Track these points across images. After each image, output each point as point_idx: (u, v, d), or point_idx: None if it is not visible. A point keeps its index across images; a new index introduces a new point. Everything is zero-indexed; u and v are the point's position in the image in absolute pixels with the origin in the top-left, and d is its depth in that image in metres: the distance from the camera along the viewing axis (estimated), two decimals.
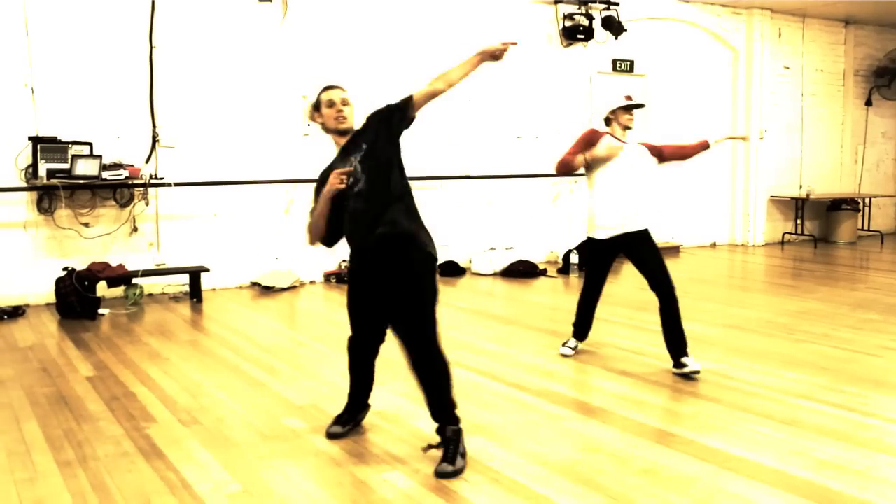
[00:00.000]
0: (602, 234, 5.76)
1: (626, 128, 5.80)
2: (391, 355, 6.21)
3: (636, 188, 5.77)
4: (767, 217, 13.34)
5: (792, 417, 4.71)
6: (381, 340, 4.40)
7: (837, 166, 14.20)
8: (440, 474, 3.84)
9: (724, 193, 13.11)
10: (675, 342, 5.56)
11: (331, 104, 4.20)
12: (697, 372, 5.45)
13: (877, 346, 6.43)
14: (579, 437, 4.43)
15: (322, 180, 4.24)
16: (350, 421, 4.48)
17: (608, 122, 5.85)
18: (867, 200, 13.91)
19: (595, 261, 6.03)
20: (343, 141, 4.25)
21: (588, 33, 10.94)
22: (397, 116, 4.15)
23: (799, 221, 13.41)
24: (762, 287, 9.66)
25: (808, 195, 13.12)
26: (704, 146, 6.00)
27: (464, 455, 3.96)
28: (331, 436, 4.37)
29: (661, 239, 11.58)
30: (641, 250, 5.71)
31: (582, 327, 6.14)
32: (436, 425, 4.06)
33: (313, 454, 4.19)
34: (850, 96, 14.16)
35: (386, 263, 4.11)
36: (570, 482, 3.80)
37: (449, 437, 3.97)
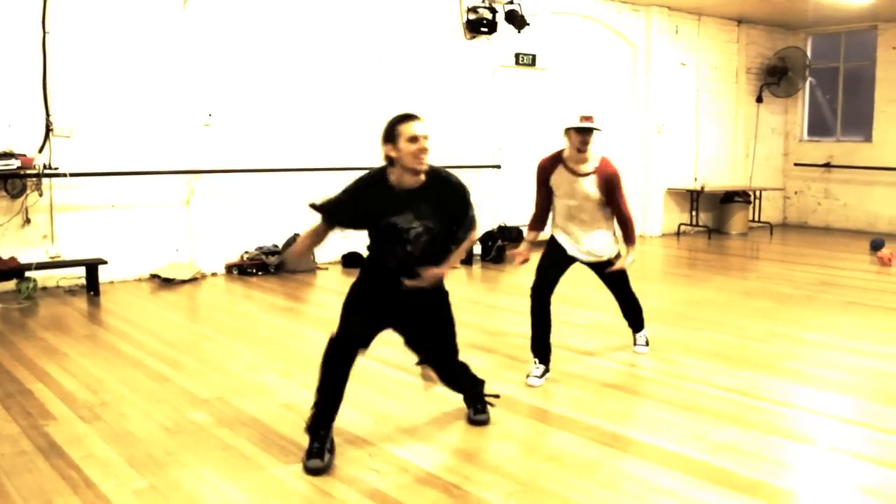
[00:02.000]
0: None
1: (579, 151, 5.21)
2: (298, 346, 6.19)
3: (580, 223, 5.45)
4: (664, 209, 13.73)
5: (690, 402, 4.88)
6: (367, 347, 4.09)
7: (730, 160, 14.71)
8: (480, 422, 4.45)
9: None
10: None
11: (414, 140, 3.80)
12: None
13: (767, 332, 6.71)
14: (485, 426, 4.49)
15: (353, 195, 4.00)
16: (329, 449, 3.90)
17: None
18: (758, 193, 14.45)
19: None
20: (410, 180, 3.92)
21: (491, 26, 11.04)
22: (460, 216, 4.13)
23: (694, 213, 13.85)
24: (660, 277, 9.95)
25: (702, 188, 13.56)
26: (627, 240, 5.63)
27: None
28: (313, 471, 3.78)
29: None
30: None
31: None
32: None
33: (221, 448, 4.14)
34: (743, 93, 14.68)
35: (419, 298, 4.10)
36: (480, 470, 3.87)
37: (479, 396, 4.54)
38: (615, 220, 5.52)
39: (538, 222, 5.63)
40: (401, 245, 3.96)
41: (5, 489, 3.65)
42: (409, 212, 3.92)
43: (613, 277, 5.67)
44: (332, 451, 3.92)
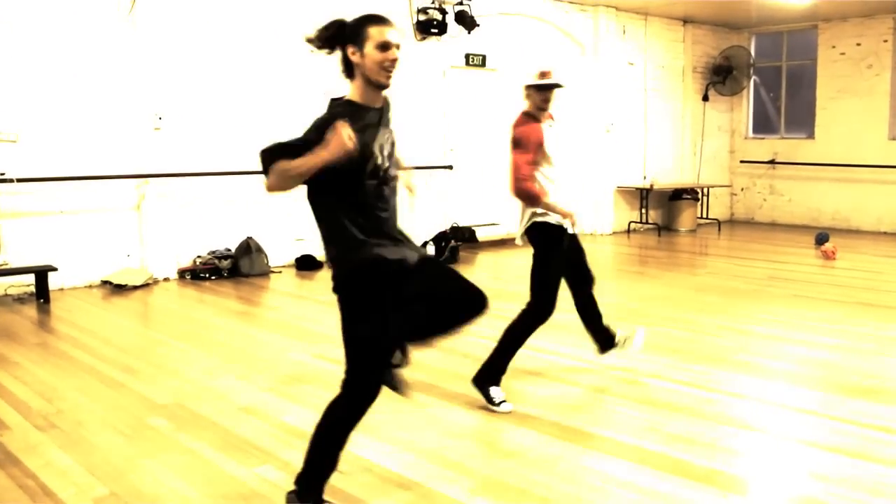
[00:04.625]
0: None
1: (541, 109, 4.91)
2: (254, 350, 6.18)
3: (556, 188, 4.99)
4: (614, 207, 13.89)
5: (644, 396, 4.98)
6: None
7: (678, 158, 14.94)
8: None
9: (572, 184, 13.53)
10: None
11: (385, 46, 3.16)
12: None
13: (717, 326, 6.85)
14: (445, 424, 4.53)
15: (322, 128, 3.10)
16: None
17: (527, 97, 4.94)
18: (705, 190, 14.70)
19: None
20: (373, 100, 3.28)
21: (441, 27, 11.07)
22: None
23: (643, 211, 14.04)
24: (612, 274, 10.07)
25: (651, 186, 13.75)
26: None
27: None
28: None
29: (507, 230, 11.88)
30: None
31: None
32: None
33: (181, 452, 4.12)
34: (690, 91, 14.92)
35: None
36: (441, 467, 3.90)
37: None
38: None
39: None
40: (384, 183, 3.27)
41: None
42: (376, 140, 3.25)
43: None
44: None
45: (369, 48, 3.16)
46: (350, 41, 3.19)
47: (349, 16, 3.28)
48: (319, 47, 3.28)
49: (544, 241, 4.93)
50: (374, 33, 3.16)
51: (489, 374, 4.87)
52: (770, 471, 3.95)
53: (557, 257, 4.94)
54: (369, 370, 3.26)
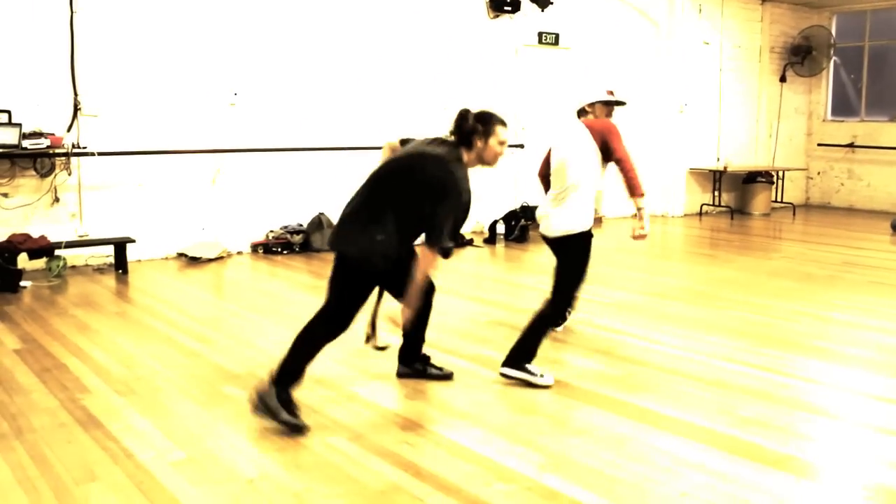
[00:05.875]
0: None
1: None
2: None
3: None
4: (686, 189, 13.69)
5: (717, 378, 4.92)
6: None
7: (753, 140, 14.64)
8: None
9: (644, 166, 13.37)
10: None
11: (503, 144, 4.24)
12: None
13: (792, 311, 6.73)
14: (515, 401, 4.55)
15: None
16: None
17: (582, 113, 5.24)
18: (780, 173, 14.38)
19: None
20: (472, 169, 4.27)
21: (515, 5, 11.02)
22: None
23: (716, 193, 13.80)
24: (683, 257, 9.95)
25: (725, 168, 13.51)
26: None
27: None
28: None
29: None
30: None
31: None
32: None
33: (256, 421, 4.20)
34: (766, 72, 14.58)
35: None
36: (510, 443, 3.92)
37: None
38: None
39: None
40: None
41: (48, 460, 3.73)
42: None
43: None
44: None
45: (493, 142, 4.21)
46: (477, 133, 4.19)
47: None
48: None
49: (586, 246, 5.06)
50: (500, 132, 4.22)
51: (520, 355, 4.85)
52: (843, 458, 3.88)
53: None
54: (342, 320, 4.13)
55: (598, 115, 5.19)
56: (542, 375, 4.76)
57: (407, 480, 3.53)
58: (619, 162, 5.06)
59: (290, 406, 4.03)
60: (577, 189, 4.99)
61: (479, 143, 4.19)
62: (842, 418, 4.35)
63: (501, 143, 4.21)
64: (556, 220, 5.04)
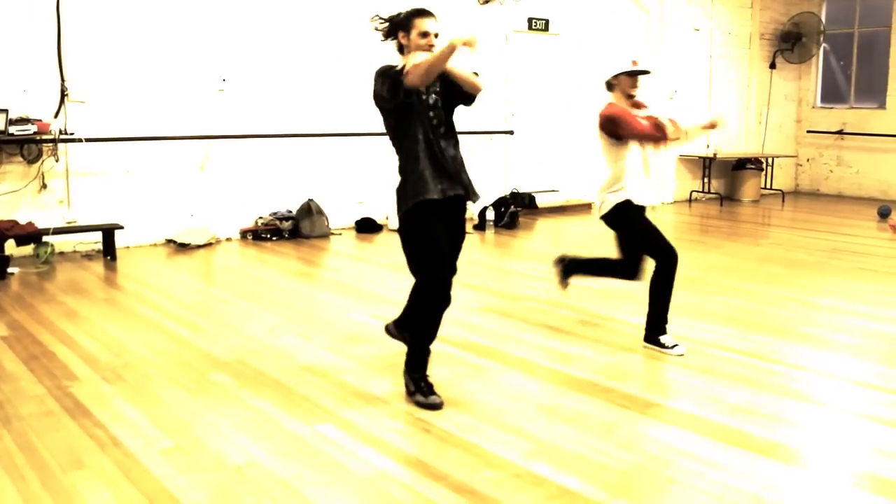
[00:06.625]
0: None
1: (630, 96, 5.40)
2: (315, 310, 6.26)
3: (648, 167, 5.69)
4: (676, 175, 13.70)
5: (706, 366, 4.93)
6: None
7: (743, 127, 14.65)
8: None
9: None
10: None
11: (424, 35, 4.22)
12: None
13: (780, 297, 6.75)
14: (505, 388, 4.55)
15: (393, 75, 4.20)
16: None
17: (610, 87, 5.39)
18: (770, 160, 14.40)
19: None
20: None
21: None
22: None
23: (706, 180, 13.82)
24: (672, 243, 9.94)
25: (714, 155, 13.52)
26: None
27: None
28: (439, 406, 4.17)
29: (574, 197, 11.82)
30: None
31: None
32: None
33: (243, 408, 4.21)
34: (756, 59, 14.58)
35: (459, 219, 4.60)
36: (499, 430, 3.92)
37: None
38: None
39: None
40: (427, 114, 4.30)
41: (35, 447, 3.72)
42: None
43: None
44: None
45: (414, 35, 4.22)
46: (401, 28, 4.27)
47: None
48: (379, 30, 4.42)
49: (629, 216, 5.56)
50: (419, 24, 4.22)
51: (654, 328, 5.22)
52: (832, 445, 3.90)
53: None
54: (432, 271, 4.35)
55: (623, 87, 5.33)
56: (673, 346, 5.13)
57: (395, 468, 3.53)
58: (633, 140, 5.38)
59: None
60: (606, 167, 5.41)
61: (404, 41, 4.28)
62: (829, 405, 4.37)
63: (423, 35, 4.20)
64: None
